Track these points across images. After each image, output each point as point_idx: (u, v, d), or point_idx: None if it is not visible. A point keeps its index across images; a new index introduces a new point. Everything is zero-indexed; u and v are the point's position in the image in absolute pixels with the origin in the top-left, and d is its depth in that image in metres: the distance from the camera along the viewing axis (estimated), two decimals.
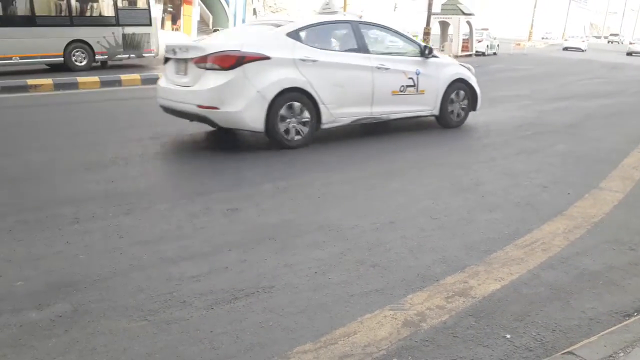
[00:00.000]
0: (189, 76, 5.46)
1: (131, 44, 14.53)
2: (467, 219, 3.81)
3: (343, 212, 3.87)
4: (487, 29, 29.82)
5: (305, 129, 5.65)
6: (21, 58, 12.42)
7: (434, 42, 23.57)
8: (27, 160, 5.21)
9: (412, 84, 6.43)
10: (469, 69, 7.29)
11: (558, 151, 6.05)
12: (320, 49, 5.77)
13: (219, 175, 4.83)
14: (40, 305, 2.53)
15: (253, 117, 5.29)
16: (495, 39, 29.58)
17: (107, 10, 14.04)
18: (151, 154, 5.53)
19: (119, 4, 14.16)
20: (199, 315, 2.47)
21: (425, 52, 6.59)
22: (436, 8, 23.80)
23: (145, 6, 14.95)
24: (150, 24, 15.00)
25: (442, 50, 25.13)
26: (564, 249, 3.31)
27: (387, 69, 6.17)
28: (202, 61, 5.28)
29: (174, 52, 5.68)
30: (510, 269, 3.00)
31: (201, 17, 38.63)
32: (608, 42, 70.60)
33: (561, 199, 4.28)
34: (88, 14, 13.79)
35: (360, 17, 6.82)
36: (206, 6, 38.75)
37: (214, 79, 5.22)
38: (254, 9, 38.75)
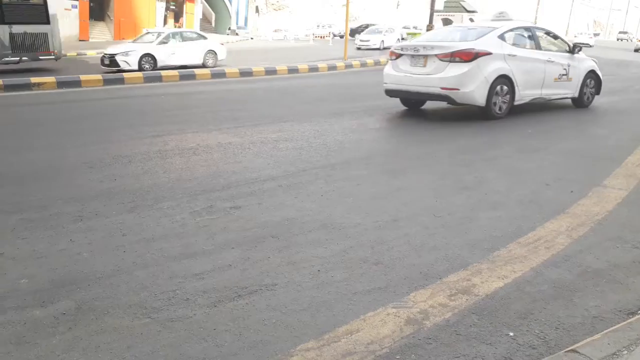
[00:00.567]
0: (429, 67, 7.41)
1: (22, 46, 12.46)
2: (470, 217, 3.80)
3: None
4: None
5: (504, 105, 7.64)
6: None
7: None
8: (31, 158, 5.22)
9: (564, 73, 8.40)
10: (596, 62, 9.21)
11: (561, 148, 6.03)
12: (516, 46, 7.84)
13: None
14: (44, 303, 2.54)
15: (480, 95, 7.28)
16: None
17: None
18: (154, 152, 5.54)
19: None
20: (202, 313, 2.48)
21: (573, 50, 8.58)
22: (439, 5, 23.73)
23: (40, 1, 12.66)
24: (47, 22, 12.85)
25: None
26: (567, 247, 3.30)
27: (552, 61, 8.17)
28: (447, 56, 7.24)
29: (416, 50, 7.58)
30: (514, 267, 2.99)
31: (204, 14, 38.65)
32: (617, 39, 71.21)
33: (564, 197, 4.27)
34: None
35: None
36: (209, 4, 38.73)
37: (457, 69, 7.18)
38: (257, 7, 38.71)
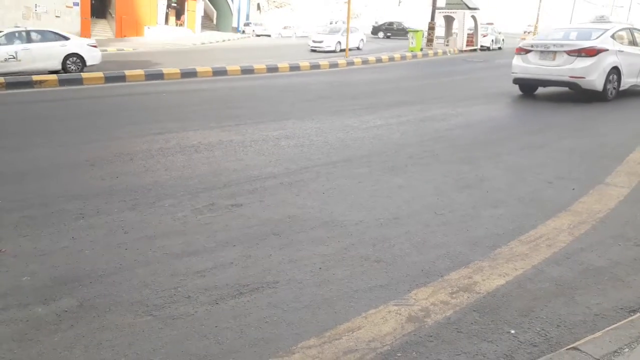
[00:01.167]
0: (558, 60, 9.28)
1: None
2: (471, 214, 3.80)
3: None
4: (492, 24, 29.57)
5: (614, 91, 9.48)
6: None
7: (438, 37, 23.47)
8: (33, 156, 5.23)
9: None
10: None
11: (563, 146, 6.02)
12: (622, 44, 9.65)
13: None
14: (46, 300, 2.55)
15: (599, 83, 9.11)
16: (500, 33, 29.36)
17: None
18: (156, 149, 5.54)
19: None
20: (203, 311, 2.48)
21: None
22: (440, 2, 23.65)
23: None
24: None
25: (447, 45, 25.03)
26: (568, 244, 3.30)
27: None
28: (575, 52, 9.12)
29: (546, 47, 9.46)
30: (515, 265, 2.99)
31: (205, 12, 38.56)
32: None
33: (566, 195, 4.26)
34: None
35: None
36: (210, 2, 38.64)
37: (583, 62, 9.04)
38: (258, 4, 38.62)
